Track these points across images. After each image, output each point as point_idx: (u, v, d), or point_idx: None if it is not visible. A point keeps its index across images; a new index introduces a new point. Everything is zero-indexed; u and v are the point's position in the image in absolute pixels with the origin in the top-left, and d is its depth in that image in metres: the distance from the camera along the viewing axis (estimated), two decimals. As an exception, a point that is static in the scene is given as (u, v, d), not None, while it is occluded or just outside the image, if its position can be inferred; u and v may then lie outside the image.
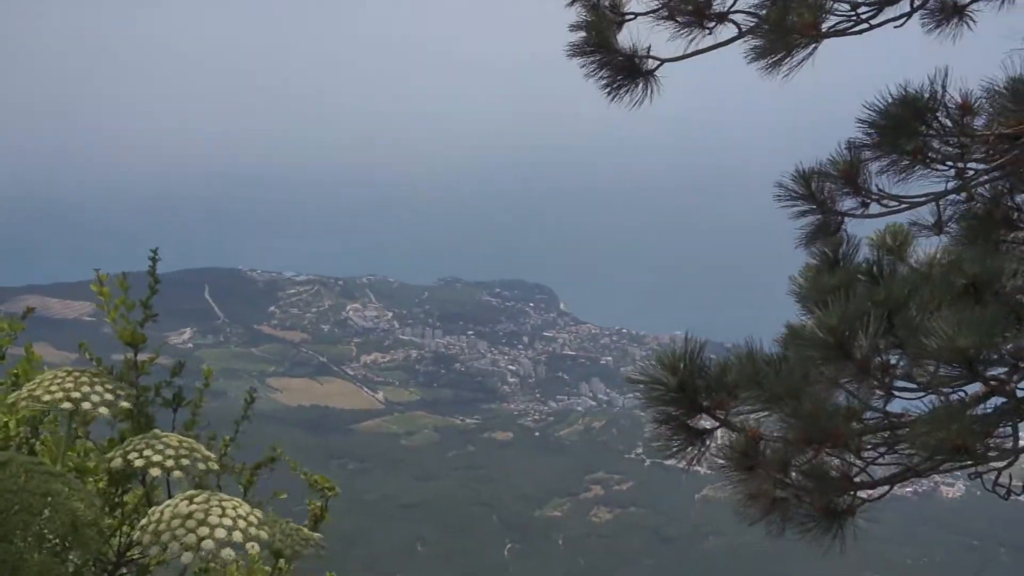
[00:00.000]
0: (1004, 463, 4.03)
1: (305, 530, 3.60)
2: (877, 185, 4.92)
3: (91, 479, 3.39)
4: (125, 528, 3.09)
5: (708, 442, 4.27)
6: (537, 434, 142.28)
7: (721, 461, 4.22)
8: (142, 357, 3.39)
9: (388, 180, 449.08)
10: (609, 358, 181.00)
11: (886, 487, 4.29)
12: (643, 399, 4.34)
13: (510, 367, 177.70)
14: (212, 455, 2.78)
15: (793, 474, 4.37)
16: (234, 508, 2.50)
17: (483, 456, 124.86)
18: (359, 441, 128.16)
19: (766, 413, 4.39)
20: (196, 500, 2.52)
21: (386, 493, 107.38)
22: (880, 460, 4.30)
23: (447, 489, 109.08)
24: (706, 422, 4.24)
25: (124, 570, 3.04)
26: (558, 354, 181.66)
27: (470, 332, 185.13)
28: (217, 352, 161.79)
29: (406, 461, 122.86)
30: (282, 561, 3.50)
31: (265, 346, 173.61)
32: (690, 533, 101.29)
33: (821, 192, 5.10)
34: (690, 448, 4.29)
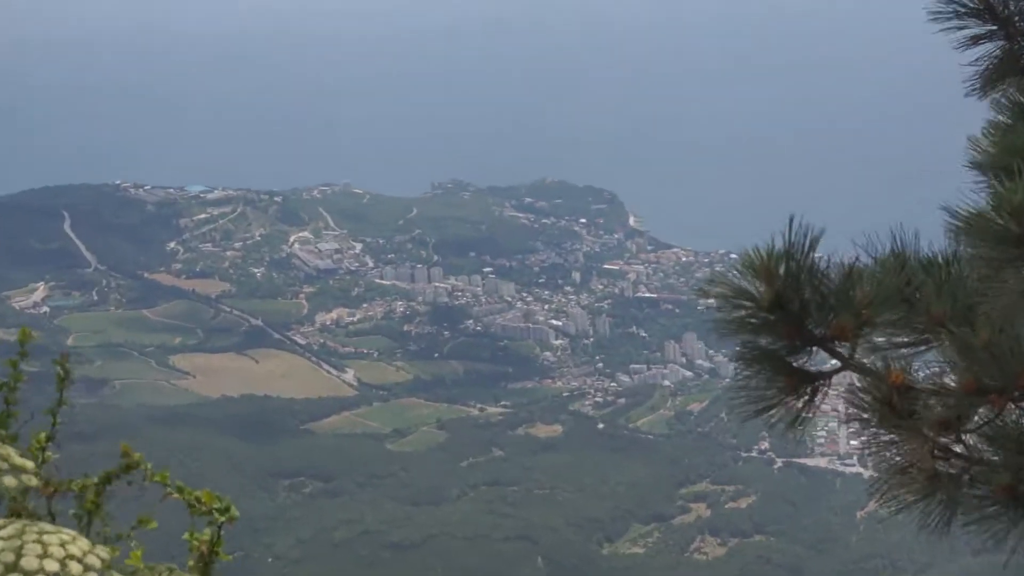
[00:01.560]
0: None
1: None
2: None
3: None
4: None
5: (822, 393, 4.32)
6: (601, 426, 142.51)
7: (853, 415, 4.26)
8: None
9: (346, 33, 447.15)
10: (711, 301, 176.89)
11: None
12: (718, 324, 4.40)
13: (554, 322, 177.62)
14: (27, 464, 2.84)
15: (964, 438, 4.43)
16: (62, 545, 2.48)
17: (517, 464, 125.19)
18: (320, 447, 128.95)
19: (921, 346, 4.45)
20: (1, 534, 2.48)
21: (366, 528, 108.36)
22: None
23: (462, 518, 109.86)
24: (817, 360, 4.28)
25: None
26: (629, 298, 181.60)
27: (488, 269, 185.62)
28: (89, 317, 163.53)
29: (396, 476, 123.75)
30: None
31: (164, 306, 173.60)
32: (853, 574, 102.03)
33: (1005, 6, 5.04)
34: (792, 401, 4.34)
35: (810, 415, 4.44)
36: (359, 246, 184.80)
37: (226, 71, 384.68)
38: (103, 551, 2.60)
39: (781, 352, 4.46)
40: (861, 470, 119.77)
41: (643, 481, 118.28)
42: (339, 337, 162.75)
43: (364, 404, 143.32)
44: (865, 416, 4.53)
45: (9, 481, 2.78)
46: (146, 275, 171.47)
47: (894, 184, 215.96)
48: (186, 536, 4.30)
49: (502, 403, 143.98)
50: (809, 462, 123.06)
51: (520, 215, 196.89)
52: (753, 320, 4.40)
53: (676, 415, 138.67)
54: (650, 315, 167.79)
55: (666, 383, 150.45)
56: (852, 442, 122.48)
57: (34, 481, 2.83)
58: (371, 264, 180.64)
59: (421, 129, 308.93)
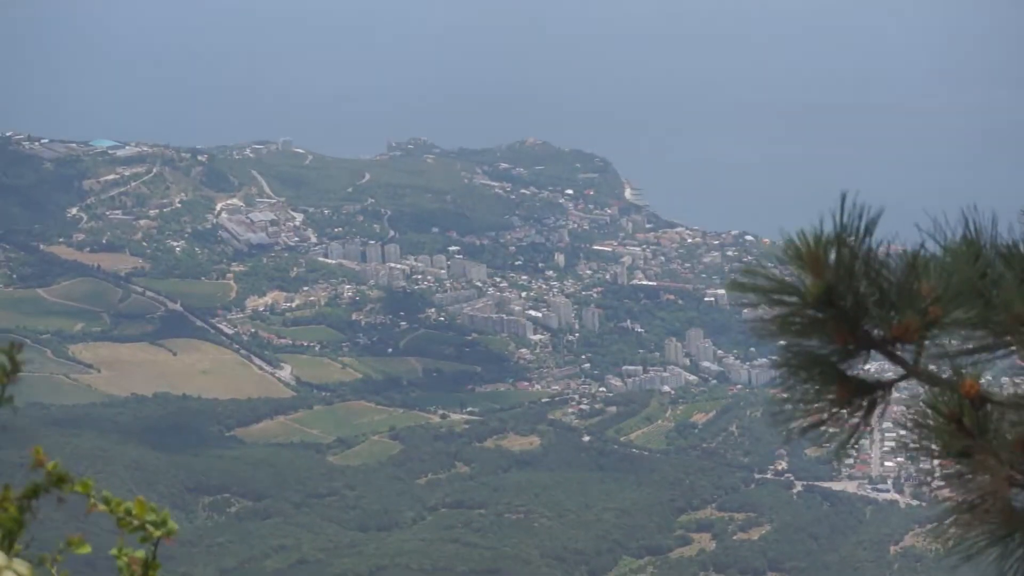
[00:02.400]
0: None
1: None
2: None
3: None
4: None
5: (882, 405, 4.35)
6: (587, 438, 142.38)
7: (908, 436, 4.30)
8: None
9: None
10: (721, 291, 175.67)
11: None
12: (755, 324, 4.42)
13: (532, 313, 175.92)
14: None
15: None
16: None
17: (485, 483, 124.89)
18: (249, 459, 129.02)
19: (999, 350, 4.48)
20: None
21: (303, 556, 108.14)
22: None
23: (418, 547, 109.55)
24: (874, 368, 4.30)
25: None
26: (624, 286, 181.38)
27: (454, 248, 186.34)
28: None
29: (340, 495, 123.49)
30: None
31: (63, 284, 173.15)
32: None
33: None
34: (845, 415, 4.37)
35: (866, 432, 4.47)
36: (299, 217, 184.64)
37: (143, 4, 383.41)
38: (23, 566, 2.63)
39: (832, 357, 4.48)
40: (896, 497, 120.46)
41: (636, 506, 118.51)
42: (274, 326, 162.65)
43: (303, 407, 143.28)
44: (928, 435, 4.57)
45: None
46: (42, 247, 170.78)
47: (962, 160, 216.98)
48: (114, 553, 4.34)
49: (468, 409, 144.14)
50: (835, 486, 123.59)
51: (494, 184, 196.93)
52: (799, 319, 4.42)
53: (677, 427, 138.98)
54: (648, 307, 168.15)
55: (665, 388, 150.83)
56: (886, 463, 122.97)
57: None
58: (314, 239, 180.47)
59: (377, 80, 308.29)
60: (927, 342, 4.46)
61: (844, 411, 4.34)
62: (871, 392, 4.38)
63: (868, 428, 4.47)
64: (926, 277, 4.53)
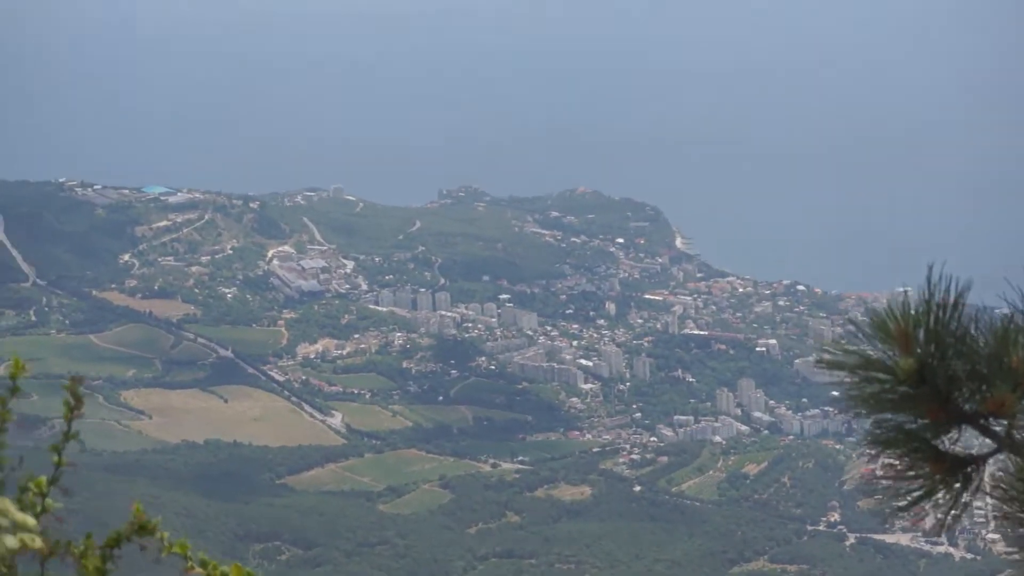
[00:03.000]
0: None
1: None
2: None
3: None
4: None
5: (976, 480, 4.35)
6: (638, 488, 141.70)
7: (1000, 506, 4.29)
8: None
9: (341, 10, 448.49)
10: (772, 341, 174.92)
11: None
12: (846, 399, 4.40)
13: (583, 362, 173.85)
14: (30, 520, 2.92)
15: None
16: None
17: (536, 532, 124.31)
18: (300, 507, 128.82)
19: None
20: None
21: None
22: None
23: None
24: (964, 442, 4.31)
25: None
26: (675, 335, 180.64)
27: (504, 296, 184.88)
28: (24, 342, 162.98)
29: (390, 544, 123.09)
30: None
31: (115, 330, 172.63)
32: None
33: None
34: (941, 493, 4.37)
35: (963, 509, 4.47)
36: (350, 264, 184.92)
37: (197, 57, 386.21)
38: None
39: (925, 432, 4.49)
40: (951, 550, 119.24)
41: (687, 557, 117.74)
42: (325, 374, 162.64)
43: (353, 455, 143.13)
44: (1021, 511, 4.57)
45: (11, 542, 2.79)
46: (94, 293, 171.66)
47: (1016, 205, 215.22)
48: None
49: (519, 458, 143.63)
50: (888, 539, 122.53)
51: (545, 232, 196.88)
52: (890, 396, 4.43)
53: (728, 478, 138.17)
54: (699, 356, 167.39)
55: (717, 439, 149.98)
56: (939, 515, 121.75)
57: (38, 542, 2.84)
58: (364, 286, 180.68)
59: (429, 127, 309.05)
60: (1020, 416, 4.45)
61: (937, 490, 4.34)
62: (964, 466, 4.38)
63: (966, 505, 4.46)
64: (1016, 349, 4.52)
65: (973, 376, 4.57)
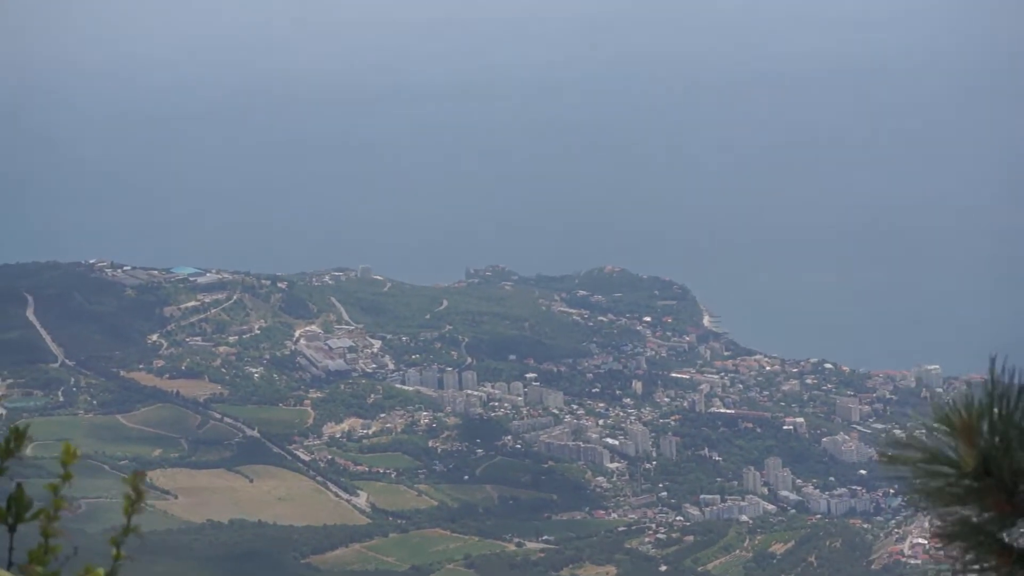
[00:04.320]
0: None
1: None
2: None
3: None
4: None
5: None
6: (664, 568, 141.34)
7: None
8: None
9: (369, 90, 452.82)
10: (800, 419, 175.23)
11: None
12: (910, 495, 4.26)
13: (609, 441, 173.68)
14: None
15: None
16: None
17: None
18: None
19: None
20: None
21: None
22: None
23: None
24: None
25: None
26: (701, 414, 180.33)
27: (531, 375, 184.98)
28: (52, 423, 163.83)
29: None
30: None
31: (143, 410, 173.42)
32: None
33: None
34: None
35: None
36: (377, 344, 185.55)
37: (222, 136, 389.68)
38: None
39: (990, 525, 4.26)
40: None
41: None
42: (351, 453, 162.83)
43: (378, 535, 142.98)
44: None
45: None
46: (122, 373, 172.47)
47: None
48: None
49: (544, 538, 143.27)
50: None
51: (572, 311, 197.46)
52: (955, 489, 4.22)
53: (755, 557, 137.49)
54: (726, 435, 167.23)
55: (744, 518, 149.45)
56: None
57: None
58: (391, 366, 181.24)
59: (455, 206, 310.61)
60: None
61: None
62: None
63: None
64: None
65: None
